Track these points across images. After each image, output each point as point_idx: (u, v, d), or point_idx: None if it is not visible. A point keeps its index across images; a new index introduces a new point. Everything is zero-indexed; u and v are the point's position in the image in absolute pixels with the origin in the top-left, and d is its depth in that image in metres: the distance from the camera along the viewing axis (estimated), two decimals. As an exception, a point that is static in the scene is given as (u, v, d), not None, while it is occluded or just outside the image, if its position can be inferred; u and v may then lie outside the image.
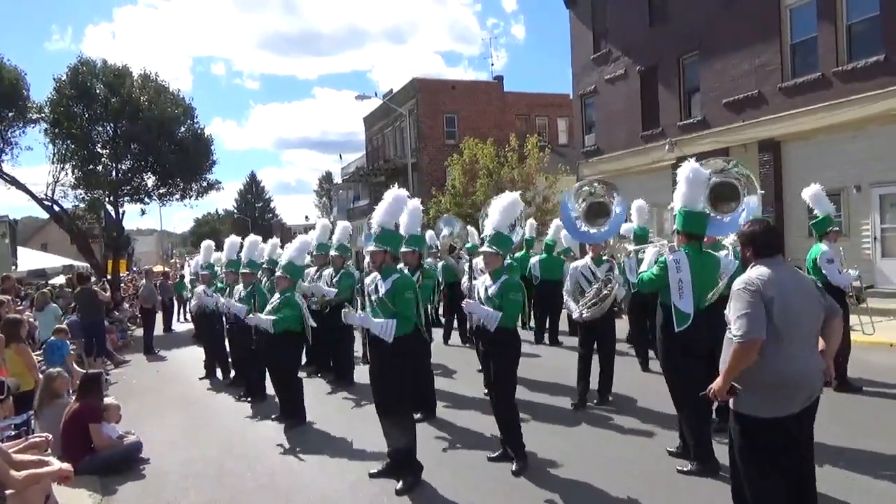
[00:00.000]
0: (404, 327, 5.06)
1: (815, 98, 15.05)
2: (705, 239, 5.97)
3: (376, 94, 34.09)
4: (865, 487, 4.57)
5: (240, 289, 8.73)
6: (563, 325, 12.12)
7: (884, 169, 13.79)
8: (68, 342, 9.78)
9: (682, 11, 18.97)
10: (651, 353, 8.65)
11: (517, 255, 11.28)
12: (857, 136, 14.41)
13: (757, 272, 3.38)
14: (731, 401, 3.42)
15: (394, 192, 5.49)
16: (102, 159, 23.66)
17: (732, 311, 3.33)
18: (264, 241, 9.78)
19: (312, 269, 9.80)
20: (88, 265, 23.52)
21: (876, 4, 13.89)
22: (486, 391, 7.78)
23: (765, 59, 16.41)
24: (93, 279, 17.33)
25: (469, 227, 12.32)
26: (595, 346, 7.24)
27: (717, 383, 3.40)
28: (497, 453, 5.54)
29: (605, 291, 6.93)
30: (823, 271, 7.18)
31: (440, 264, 11.80)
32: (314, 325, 7.35)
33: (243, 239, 9.47)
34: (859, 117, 14.12)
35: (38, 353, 8.92)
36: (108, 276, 22.67)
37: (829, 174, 14.19)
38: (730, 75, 17.42)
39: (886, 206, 14.05)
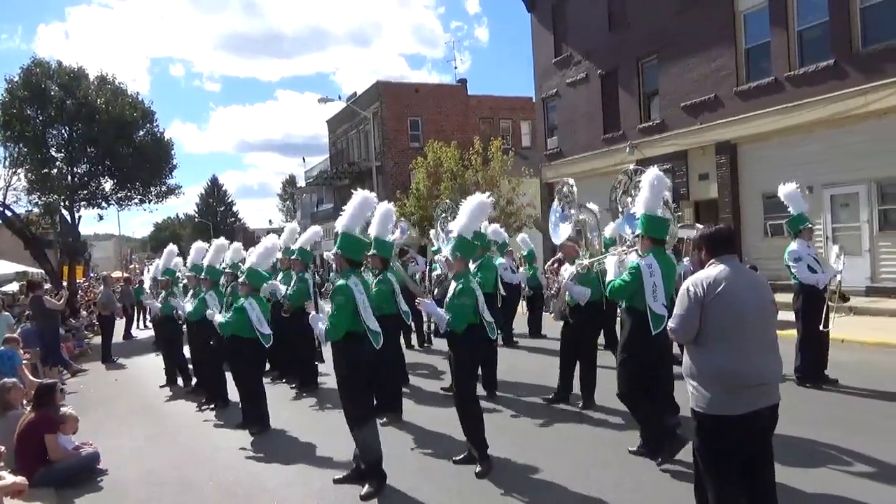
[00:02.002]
0: (331, 334, 5.04)
1: (769, 101, 15.49)
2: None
3: (340, 97, 33.97)
4: (818, 480, 4.71)
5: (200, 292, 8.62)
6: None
7: (833, 170, 14.26)
8: (20, 352, 9.48)
9: (641, 17, 19.33)
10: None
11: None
12: (808, 139, 14.87)
13: (706, 273, 3.50)
14: (690, 399, 3.53)
15: (361, 195, 5.46)
16: (57, 163, 23.03)
17: (676, 305, 3.58)
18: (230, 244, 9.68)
19: (280, 274, 9.77)
20: (43, 272, 22.86)
21: (825, 11, 14.36)
22: (441, 388, 7.90)
23: (720, 64, 16.83)
24: (47, 286, 16.86)
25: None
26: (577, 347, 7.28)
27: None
28: (462, 455, 5.56)
29: (552, 291, 7.19)
30: (792, 269, 7.31)
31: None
32: (268, 332, 7.16)
33: (209, 244, 9.37)
34: (810, 120, 14.58)
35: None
36: (65, 283, 22.07)
37: (783, 175, 14.43)
38: (687, 79, 17.81)
39: (837, 207, 14.52)
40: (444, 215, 9.26)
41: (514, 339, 11.83)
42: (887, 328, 10.18)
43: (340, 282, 5.13)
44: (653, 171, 5.35)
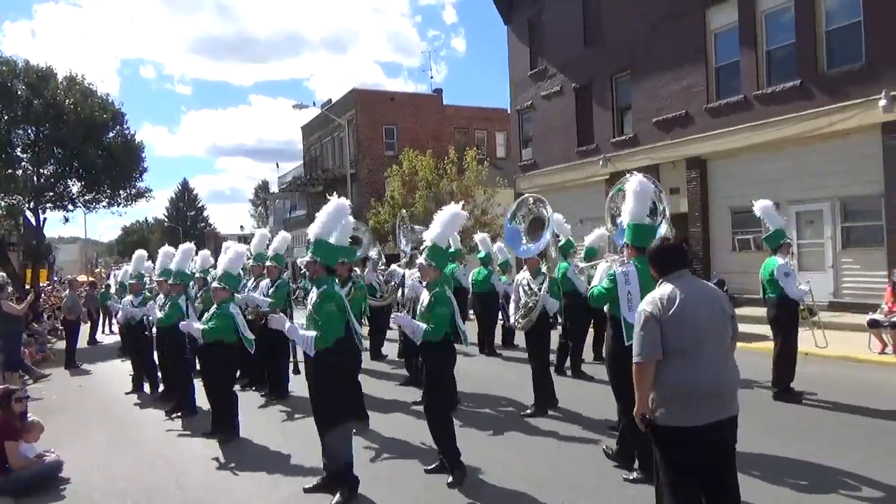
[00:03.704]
0: (323, 341, 4.95)
1: (738, 119, 15.84)
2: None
3: (314, 104, 33.81)
4: (782, 494, 4.81)
5: (160, 297, 8.53)
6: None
7: (799, 188, 14.62)
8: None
9: (615, 33, 19.67)
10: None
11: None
12: (775, 156, 15.23)
13: (659, 291, 3.52)
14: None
15: (335, 202, 5.43)
16: (23, 163, 22.55)
17: (634, 328, 3.52)
18: (197, 251, 9.56)
19: (250, 281, 9.65)
20: (4, 274, 22.28)
21: (792, 32, 14.77)
22: (413, 402, 7.86)
23: (691, 81, 17.17)
24: (9, 289, 16.42)
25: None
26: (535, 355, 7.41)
27: (635, 409, 3.52)
28: (434, 465, 5.55)
29: (531, 304, 7.17)
30: (781, 284, 7.41)
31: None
32: (252, 336, 7.20)
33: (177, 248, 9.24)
34: (778, 138, 14.94)
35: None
36: (28, 286, 21.54)
37: (751, 191, 14.86)
38: (659, 95, 18.13)
39: (803, 223, 14.87)
40: (404, 225, 9.28)
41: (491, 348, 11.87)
42: (849, 342, 10.44)
43: (326, 288, 5.09)
44: (636, 179, 5.33)
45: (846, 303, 13.61)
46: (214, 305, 7.18)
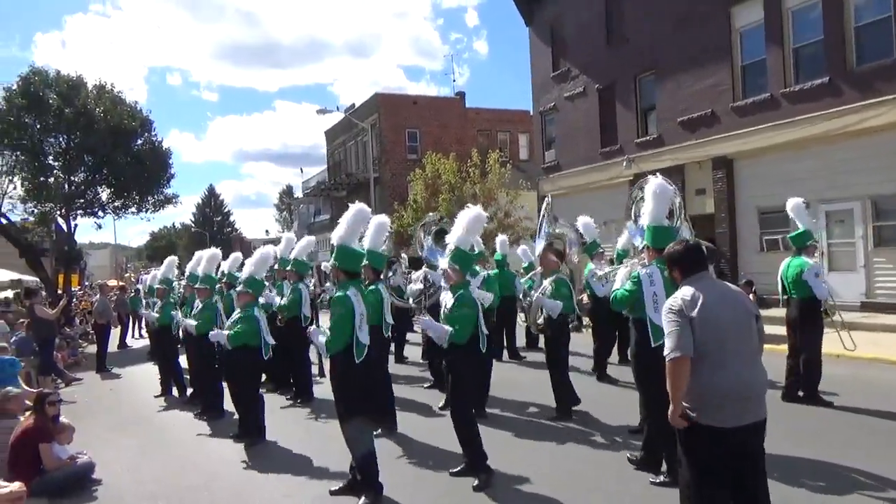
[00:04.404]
0: (333, 345, 5.00)
1: (765, 118, 15.61)
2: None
3: (338, 108, 34.10)
4: (807, 497, 4.73)
5: (197, 304, 8.65)
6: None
7: (829, 187, 14.35)
8: (18, 360, 9.45)
9: (638, 32, 19.51)
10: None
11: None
12: (804, 155, 14.95)
13: (681, 293, 3.49)
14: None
15: (355, 208, 5.47)
16: (54, 171, 23.08)
17: (664, 326, 3.47)
18: (225, 255, 9.69)
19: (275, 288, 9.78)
20: (38, 280, 22.81)
21: (820, 29, 14.53)
22: (440, 405, 7.85)
23: (717, 80, 16.97)
24: (43, 294, 16.80)
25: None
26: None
27: (670, 409, 3.44)
28: (459, 468, 5.55)
29: (524, 305, 7.24)
30: (810, 284, 7.28)
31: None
32: (272, 341, 7.24)
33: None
34: (805, 137, 14.69)
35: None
36: (61, 291, 22.02)
37: (779, 191, 14.66)
38: (684, 94, 17.94)
39: (833, 223, 14.59)
40: (429, 227, 9.32)
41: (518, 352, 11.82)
42: (881, 343, 10.23)
43: (339, 293, 5.10)
44: (656, 181, 5.34)
45: (879, 303, 13.33)
46: (238, 310, 7.27)
